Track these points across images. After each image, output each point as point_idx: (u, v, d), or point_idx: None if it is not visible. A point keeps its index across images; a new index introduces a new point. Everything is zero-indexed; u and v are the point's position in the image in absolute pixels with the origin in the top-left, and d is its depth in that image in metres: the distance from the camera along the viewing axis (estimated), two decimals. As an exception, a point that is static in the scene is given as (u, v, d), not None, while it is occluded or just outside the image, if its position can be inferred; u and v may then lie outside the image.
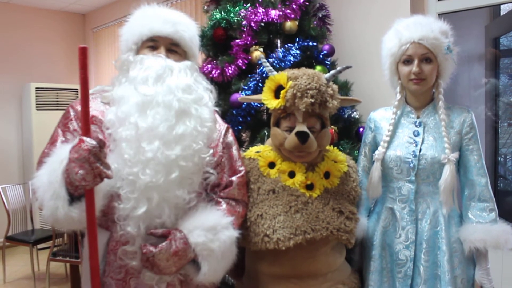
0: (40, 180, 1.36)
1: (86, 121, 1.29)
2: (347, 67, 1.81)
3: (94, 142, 1.26)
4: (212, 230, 1.45)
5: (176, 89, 1.49)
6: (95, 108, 1.52)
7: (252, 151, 1.80)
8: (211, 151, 1.55)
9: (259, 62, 2.45)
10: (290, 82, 1.62)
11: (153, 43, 1.57)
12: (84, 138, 1.26)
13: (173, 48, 1.59)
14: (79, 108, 1.39)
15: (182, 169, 1.44)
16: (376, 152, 1.82)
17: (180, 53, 1.61)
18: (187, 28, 1.62)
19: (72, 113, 1.52)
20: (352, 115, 2.66)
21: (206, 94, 1.58)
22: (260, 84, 2.41)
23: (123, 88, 1.49)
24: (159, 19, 1.57)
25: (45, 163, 1.38)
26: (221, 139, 1.64)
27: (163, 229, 1.43)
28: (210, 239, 1.43)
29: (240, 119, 2.48)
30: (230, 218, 1.52)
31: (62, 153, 1.33)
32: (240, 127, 2.50)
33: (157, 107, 1.45)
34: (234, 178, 1.62)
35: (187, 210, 1.48)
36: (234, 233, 1.51)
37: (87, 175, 1.24)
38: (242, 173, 1.66)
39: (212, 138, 1.58)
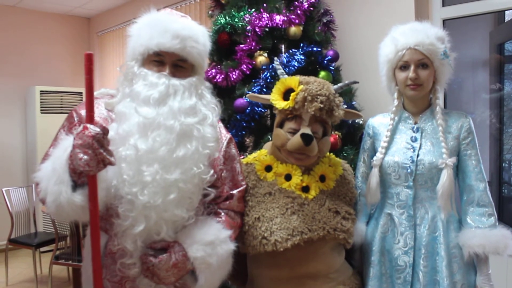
0: (44, 170, 1.38)
1: (91, 109, 1.31)
2: (355, 82, 1.90)
3: (98, 129, 1.27)
4: (210, 244, 1.47)
5: (179, 112, 1.47)
6: (98, 114, 1.51)
7: (250, 158, 1.83)
8: (212, 171, 1.53)
9: (273, 65, 2.44)
10: (301, 86, 1.66)
11: (159, 58, 1.53)
12: (88, 125, 1.28)
13: (180, 63, 1.55)
14: (83, 112, 1.41)
15: (181, 191, 1.44)
16: (374, 158, 1.83)
17: (187, 67, 1.57)
18: (196, 42, 1.55)
19: (76, 118, 1.52)
20: (356, 121, 2.66)
21: (210, 112, 1.55)
22: (264, 89, 2.41)
23: (125, 105, 1.48)
24: (168, 34, 1.50)
25: (50, 155, 1.41)
26: (222, 151, 1.62)
27: (162, 242, 1.45)
28: (209, 254, 1.46)
29: (244, 124, 2.48)
30: (229, 232, 1.54)
31: (65, 142, 1.36)
32: (243, 132, 2.50)
33: (158, 130, 1.44)
34: (235, 192, 1.63)
35: (186, 225, 1.49)
36: (231, 247, 1.53)
37: (91, 161, 1.26)
38: (243, 187, 1.67)
39: (214, 155, 1.57)
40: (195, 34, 1.57)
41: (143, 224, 1.40)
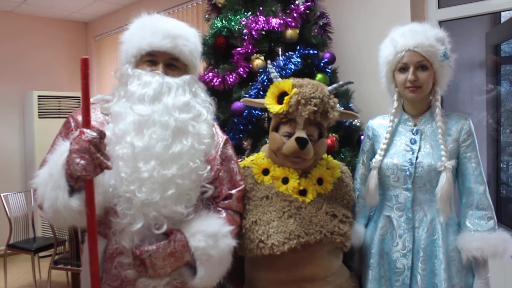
0: (41, 176, 1.38)
1: (87, 113, 1.31)
2: (349, 82, 1.88)
3: (94, 133, 1.27)
4: (213, 236, 1.46)
5: (173, 108, 1.48)
6: (94, 119, 1.52)
7: (247, 161, 1.83)
8: (209, 167, 1.55)
9: (267, 68, 2.45)
10: (295, 89, 1.65)
11: (152, 58, 1.55)
12: (85, 129, 1.28)
13: (173, 62, 1.57)
14: (79, 118, 1.41)
15: (179, 187, 1.44)
16: (373, 160, 1.83)
17: (180, 66, 1.59)
18: (187, 41, 1.59)
19: (72, 123, 1.53)
20: (353, 123, 2.66)
21: (204, 109, 1.56)
22: (261, 93, 2.42)
23: (121, 105, 1.50)
24: (159, 34, 1.53)
25: (47, 161, 1.41)
26: (219, 152, 1.63)
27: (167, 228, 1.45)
28: (211, 246, 1.45)
29: (241, 127, 2.49)
30: (230, 227, 1.54)
31: (61, 148, 1.36)
32: (241, 135, 2.50)
33: (154, 126, 1.45)
34: (234, 191, 1.63)
35: (184, 221, 1.49)
36: (232, 242, 1.53)
37: (88, 165, 1.26)
38: (242, 187, 1.68)
39: (210, 152, 1.57)
40: (186, 33, 1.60)
41: (141, 222, 1.40)
